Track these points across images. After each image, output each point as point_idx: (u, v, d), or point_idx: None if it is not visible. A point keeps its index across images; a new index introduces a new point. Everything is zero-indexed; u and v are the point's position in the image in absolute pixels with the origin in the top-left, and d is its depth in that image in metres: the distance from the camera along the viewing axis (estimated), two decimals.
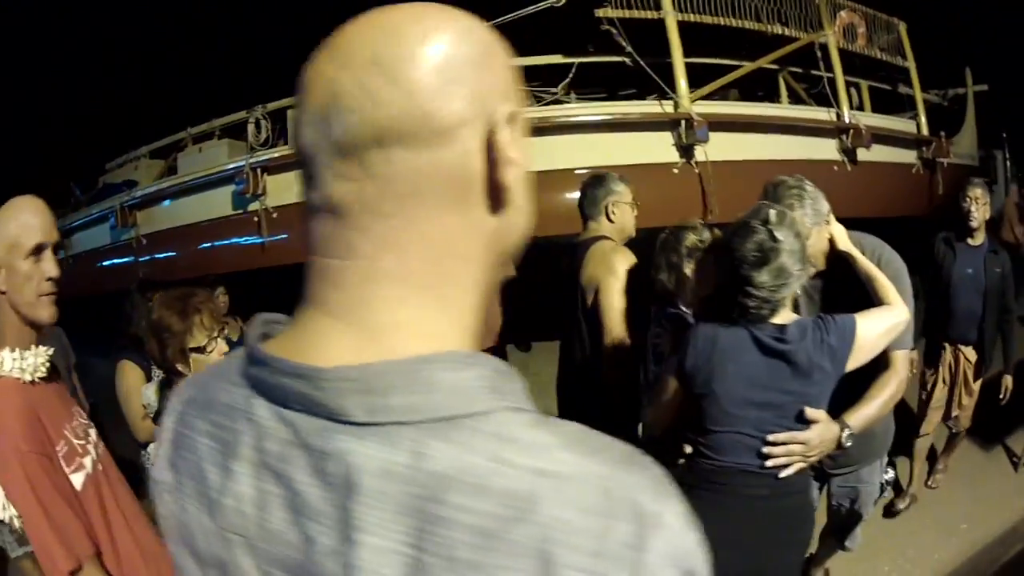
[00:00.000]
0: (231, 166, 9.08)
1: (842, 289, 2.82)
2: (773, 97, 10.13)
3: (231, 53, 15.43)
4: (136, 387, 3.85)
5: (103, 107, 16.40)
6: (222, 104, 10.48)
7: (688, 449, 2.67)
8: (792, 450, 2.38)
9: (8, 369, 2.04)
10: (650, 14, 7.49)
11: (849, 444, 2.51)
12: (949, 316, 5.26)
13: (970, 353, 5.29)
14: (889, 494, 4.62)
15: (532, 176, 0.80)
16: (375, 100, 0.64)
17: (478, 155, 0.68)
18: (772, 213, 2.34)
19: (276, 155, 8.90)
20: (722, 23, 7.90)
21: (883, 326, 2.51)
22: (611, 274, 3.60)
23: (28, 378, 2.08)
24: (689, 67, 7.75)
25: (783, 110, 8.91)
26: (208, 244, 9.87)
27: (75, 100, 17.46)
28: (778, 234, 2.28)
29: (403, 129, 0.64)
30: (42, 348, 2.15)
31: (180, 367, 2.85)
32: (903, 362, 2.74)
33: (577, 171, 7.29)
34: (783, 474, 2.42)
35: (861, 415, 2.60)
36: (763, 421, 2.41)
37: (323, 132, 0.66)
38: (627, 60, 7.73)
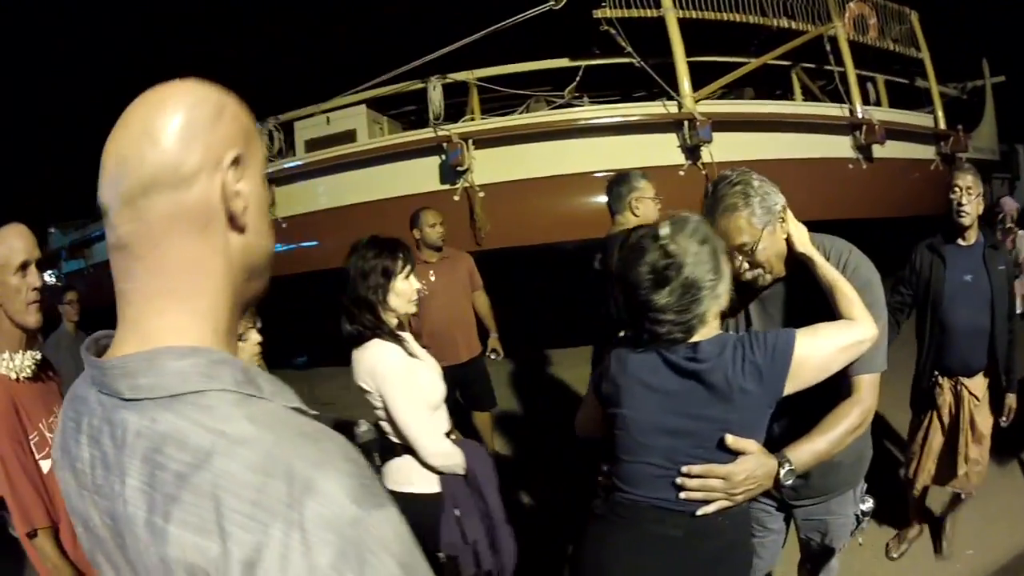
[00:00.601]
0: None
1: (805, 298, 2.42)
2: (789, 96, 9.79)
3: (244, 62, 15.68)
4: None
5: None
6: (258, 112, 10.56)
7: (603, 480, 2.34)
8: (710, 484, 2.02)
9: (3, 367, 2.46)
10: (649, 13, 7.40)
11: (790, 482, 2.11)
12: (945, 340, 4.13)
13: (976, 386, 4.11)
14: (868, 524, 3.03)
15: (265, 208, 1.01)
16: (143, 160, 0.85)
17: (215, 193, 0.89)
18: (663, 224, 2.05)
19: (284, 166, 9.08)
20: (725, 19, 7.77)
21: (838, 343, 2.13)
22: None
23: (13, 376, 2.48)
24: (696, 66, 7.60)
25: (791, 107, 8.60)
26: None
27: (97, 115, 17.91)
28: (673, 247, 2.00)
29: (160, 180, 0.85)
30: (30, 352, 2.55)
31: None
32: (869, 388, 2.31)
33: (583, 175, 7.36)
34: (700, 512, 2.06)
35: (808, 450, 2.18)
36: (675, 450, 2.07)
37: (115, 189, 0.87)
38: (635, 61, 7.63)
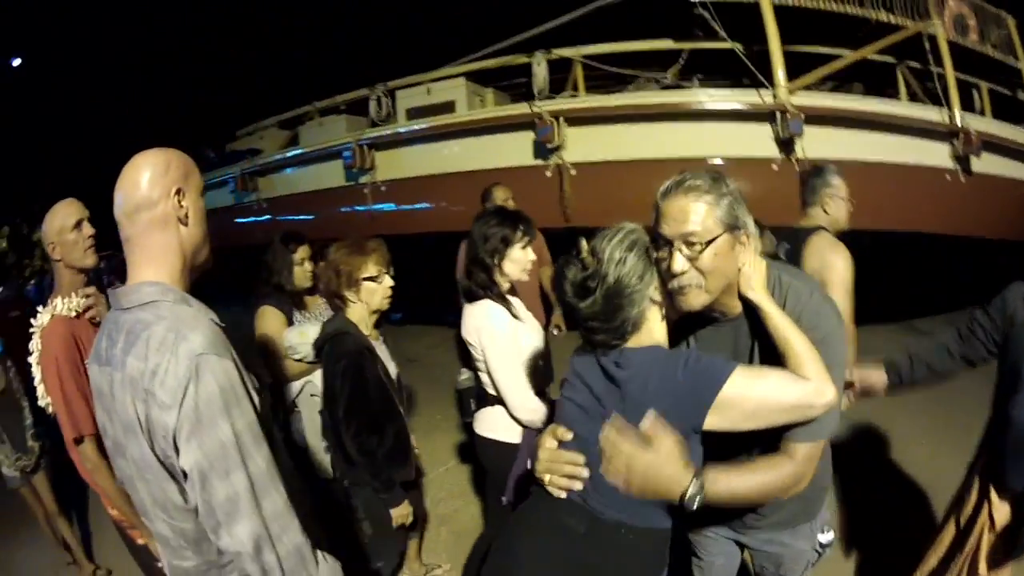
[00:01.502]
0: (342, 141, 9.66)
1: (762, 348, 2.12)
2: (896, 96, 8.85)
3: (359, 31, 16.20)
4: (277, 330, 4.21)
5: (245, 78, 17.85)
6: (351, 80, 10.98)
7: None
8: (615, 455, 1.88)
9: (60, 310, 3.11)
10: None
11: (694, 507, 1.85)
12: (1003, 438, 2.86)
13: (1000, 512, 2.96)
14: (830, 554, 2.71)
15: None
16: (132, 197, 1.78)
17: (169, 209, 1.80)
18: (582, 241, 2.02)
19: (386, 132, 9.42)
20: (822, 7, 7.44)
21: (781, 398, 1.89)
22: (831, 269, 3.83)
23: (73, 314, 3.13)
24: (798, 57, 7.30)
25: (884, 105, 7.76)
26: (321, 211, 10.57)
27: (221, 72, 18.92)
28: (589, 259, 1.98)
29: (141, 206, 1.78)
30: (83, 290, 3.22)
31: (350, 294, 3.51)
32: (806, 458, 2.00)
33: (674, 160, 7.10)
34: (553, 488, 2.05)
35: (726, 484, 1.92)
36: (591, 450, 1.98)
37: (121, 211, 1.79)
38: (730, 46, 7.35)
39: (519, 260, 3.41)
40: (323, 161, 10.18)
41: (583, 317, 2.00)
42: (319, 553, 1.85)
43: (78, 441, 3.05)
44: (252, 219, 12.01)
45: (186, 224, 1.86)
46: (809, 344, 1.94)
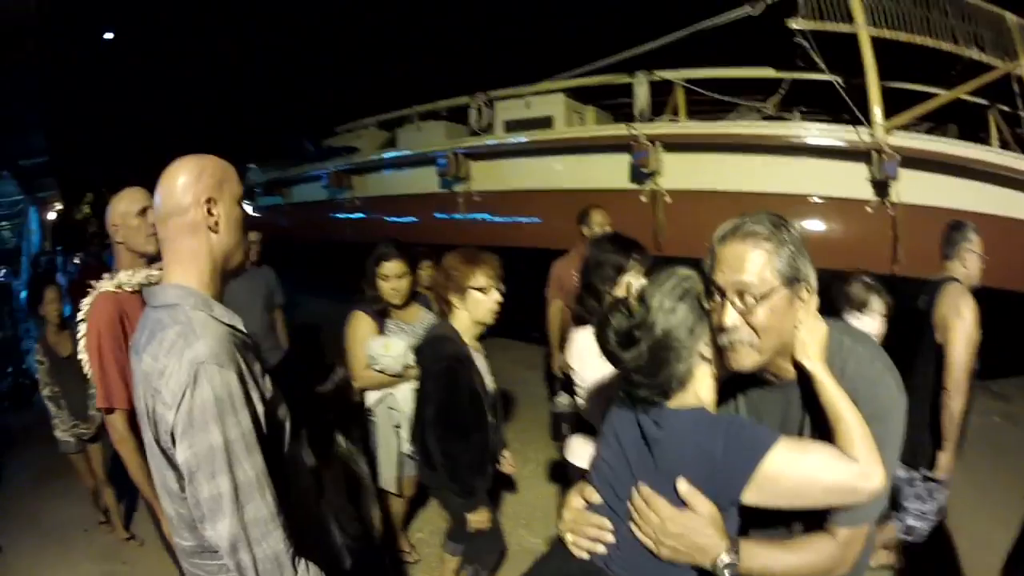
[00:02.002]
0: (439, 148, 9.81)
1: (815, 420, 1.92)
2: (987, 140, 8.22)
3: (462, 39, 16.52)
4: (363, 337, 4.27)
5: (349, 76, 18.38)
6: (452, 86, 11.09)
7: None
8: (647, 514, 1.83)
9: (109, 286, 3.25)
10: (841, 27, 6.86)
11: None
12: None
13: None
14: None
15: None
16: (165, 203, 1.91)
17: (201, 216, 1.92)
18: (632, 284, 1.98)
19: (483, 143, 9.55)
20: (918, 41, 7.01)
21: (825, 479, 1.74)
22: (958, 317, 3.91)
23: (128, 290, 3.26)
24: (889, 93, 6.84)
25: (985, 152, 7.02)
26: (412, 215, 10.75)
27: (326, 68, 19.51)
28: (638, 305, 1.87)
29: (173, 212, 1.91)
30: (143, 272, 3.32)
31: (456, 300, 3.57)
32: (848, 543, 1.87)
33: (770, 195, 7.01)
34: (575, 548, 1.98)
35: (762, 558, 1.85)
36: (616, 509, 1.94)
37: (158, 215, 1.94)
38: (828, 78, 7.10)
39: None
40: (418, 166, 10.31)
41: (626, 369, 1.89)
42: (302, 563, 1.88)
43: (108, 412, 3.21)
44: (344, 215, 12.25)
45: (217, 231, 1.96)
46: (862, 421, 1.76)
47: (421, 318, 4.42)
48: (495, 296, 3.60)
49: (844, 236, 6.77)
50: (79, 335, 3.29)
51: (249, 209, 16.30)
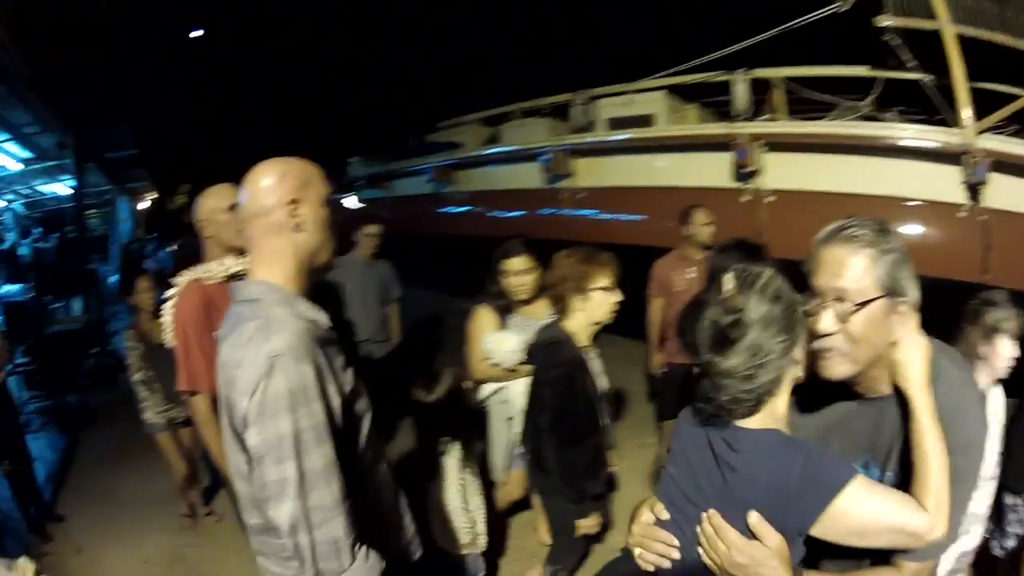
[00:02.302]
0: (543, 144, 9.99)
1: (907, 447, 1.81)
2: None
3: (562, 36, 16.93)
4: (484, 330, 4.37)
5: (450, 73, 19.12)
6: (552, 83, 11.27)
7: None
8: (715, 542, 1.78)
9: (202, 274, 3.49)
10: (926, 24, 6.65)
11: None
12: None
13: None
14: None
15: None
16: (252, 201, 2.06)
17: (284, 217, 2.03)
18: (728, 278, 1.75)
19: (587, 140, 9.67)
20: (1004, 41, 6.74)
21: (889, 520, 1.70)
22: None
23: (214, 280, 3.48)
24: (977, 95, 6.55)
25: None
26: (517, 210, 10.99)
27: (432, 67, 20.39)
28: (736, 303, 1.72)
29: (257, 213, 2.04)
30: (232, 264, 3.51)
31: (576, 302, 3.56)
32: (912, 575, 1.80)
33: (875, 197, 6.92)
34: (641, 562, 1.96)
35: None
36: (683, 526, 1.90)
37: (243, 212, 2.08)
38: (918, 77, 7.05)
39: None
40: (522, 162, 10.45)
41: (717, 373, 1.73)
42: (363, 550, 1.95)
43: (191, 394, 3.42)
44: (448, 209, 12.53)
45: (301, 231, 2.06)
46: (944, 466, 1.70)
47: (545, 314, 4.23)
48: (617, 296, 3.63)
49: (936, 240, 6.66)
50: (166, 321, 3.55)
51: (352, 202, 16.86)
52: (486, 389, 4.54)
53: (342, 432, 1.95)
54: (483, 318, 4.49)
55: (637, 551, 1.96)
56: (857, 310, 1.75)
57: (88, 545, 5.91)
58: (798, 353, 1.76)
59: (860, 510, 1.67)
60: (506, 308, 4.48)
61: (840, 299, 1.77)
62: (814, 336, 1.79)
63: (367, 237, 6.96)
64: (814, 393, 1.96)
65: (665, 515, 1.94)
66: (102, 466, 7.75)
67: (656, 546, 1.91)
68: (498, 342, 4.26)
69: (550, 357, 3.53)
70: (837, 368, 1.81)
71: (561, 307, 3.66)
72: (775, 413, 1.79)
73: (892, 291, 1.77)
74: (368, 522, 2.03)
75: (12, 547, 5.66)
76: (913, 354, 1.78)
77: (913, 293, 1.79)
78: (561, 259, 3.69)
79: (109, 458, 7.92)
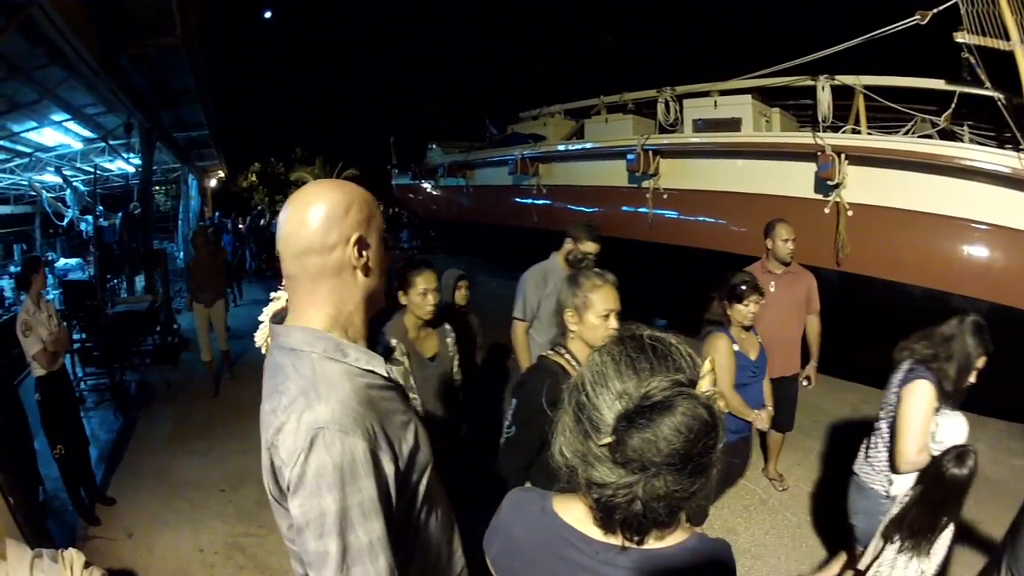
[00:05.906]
0: (629, 143, 10.20)
1: None
2: None
3: (645, 32, 17.45)
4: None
5: (534, 63, 20.06)
6: (634, 77, 11.72)
7: None
8: None
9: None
10: (1000, 44, 6.81)
11: None
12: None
13: None
14: None
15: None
16: (300, 236, 1.72)
17: (347, 257, 1.75)
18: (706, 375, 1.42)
19: (673, 141, 9.92)
20: None
21: None
22: None
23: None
24: None
25: None
26: (600, 207, 11.31)
27: (511, 54, 21.08)
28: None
29: (311, 249, 1.72)
30: None
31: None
32: None
33: (958, 220, 7.11)
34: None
35: None
36: None
37: (285, 248, 1.75)
38: (992, 96, 7.23)
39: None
40: (607, 159, 10.73)
41: (655, 465, 1.31)
42: None
43: None
44: (529, 201, 12.94)
45: (366, 274, 1.82)
46: None
47: None
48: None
49: (1007, 266, 6.82)
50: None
51: (430, 189, 17.69)
52: None
53: (397, 500, 1.76)
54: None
55: None
56: None
57: (139, 530, 5.91)
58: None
59: None
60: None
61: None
62: None
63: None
64: None
65: None
66: (157, 447, 7.79)
67: None
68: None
69: None
70: None
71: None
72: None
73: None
74: None
75: (57, 532, 5.69)
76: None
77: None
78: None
79: (165, 439, 8.00)
